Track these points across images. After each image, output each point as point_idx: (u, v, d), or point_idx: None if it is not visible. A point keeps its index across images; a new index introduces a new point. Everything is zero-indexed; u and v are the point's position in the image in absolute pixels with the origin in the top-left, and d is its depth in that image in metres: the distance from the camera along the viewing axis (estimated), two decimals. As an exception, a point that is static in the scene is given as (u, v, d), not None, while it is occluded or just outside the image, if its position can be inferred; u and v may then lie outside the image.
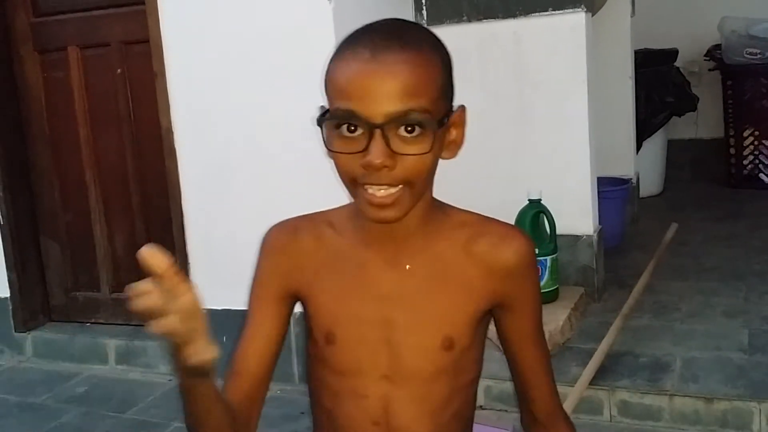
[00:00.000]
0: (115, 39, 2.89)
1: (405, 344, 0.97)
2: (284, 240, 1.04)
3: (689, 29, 4.57)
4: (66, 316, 3.15)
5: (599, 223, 2.90)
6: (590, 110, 2.79)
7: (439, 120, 0.89)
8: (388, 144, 0.85)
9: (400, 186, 0.88)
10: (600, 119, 3.01)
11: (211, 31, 2.59)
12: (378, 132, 0.85)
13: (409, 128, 0.86)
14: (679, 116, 4.32)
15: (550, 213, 2.69)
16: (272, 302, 1.03)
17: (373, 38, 0.87)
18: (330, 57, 0.92)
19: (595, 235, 2.84)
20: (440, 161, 0.95)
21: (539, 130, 2.82)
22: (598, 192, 2.91)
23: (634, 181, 3.81)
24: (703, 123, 4.66)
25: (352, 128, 0.87)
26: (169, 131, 2.68)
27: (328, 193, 2.44)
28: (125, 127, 2.93)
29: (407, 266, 0.97)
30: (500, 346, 1.08)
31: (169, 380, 2.78)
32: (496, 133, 2.89)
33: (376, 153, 0.85)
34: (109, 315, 3.08)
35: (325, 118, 0.89)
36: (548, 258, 2.67)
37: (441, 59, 0.91)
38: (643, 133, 4.06)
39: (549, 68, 2.78)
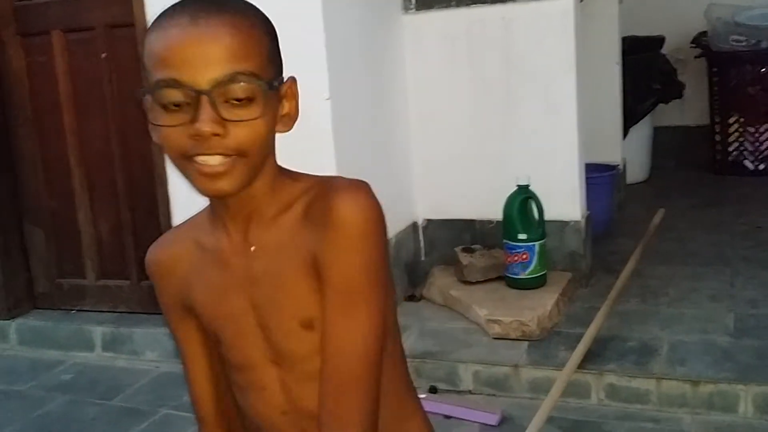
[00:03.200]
0: (99, 23, 2.85)
1: (272, 328, 0.93)
2: (162, 260, 1.00)
3: (676, 16, 4.58)
4: (51, 303, 3.13)
5: (587, 209, 2.91)
6: (578, 96, 2.78)
7: (268, 83, 0.85)
8: (216, 111, 0.81)
9: (234, 156, 0.83)
10: (587, 105, 3.01)
11: (197, 14, 2.57)
12: (205, 99, 0.80)
13: (238, 94, 0.82)
14: (666, 103, 4.33)
15: (538, 198, 2.69)
16: (187, 325, 1.01)
17: (192, 5, 0.83)
18: (148, 30, 0.87)
19: (583, 220, 2.84)
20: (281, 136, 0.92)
21: (527, 116, 2.82)
22: (586, 178, 2.91)
23: (621, 167, 3.82)
24: (689, 110, 4.67)
25: (177, 101, 0.81)
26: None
27: (317, 170, 2.44)
28: (110, 111, 2.90)
29: (252, 248, 0.92)
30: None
31: (156, 367, 2.77)
32: (485, 118, 2.88)
33: (205, 120, 0.80)
34: (94, 302, 3.05)
35: (145, 90, 0.84)
36: (536, 243, 2.67)
37: (265, 25, 0.88)
38: (629, 119, 4.07)
39: (537, 54, 2.78)
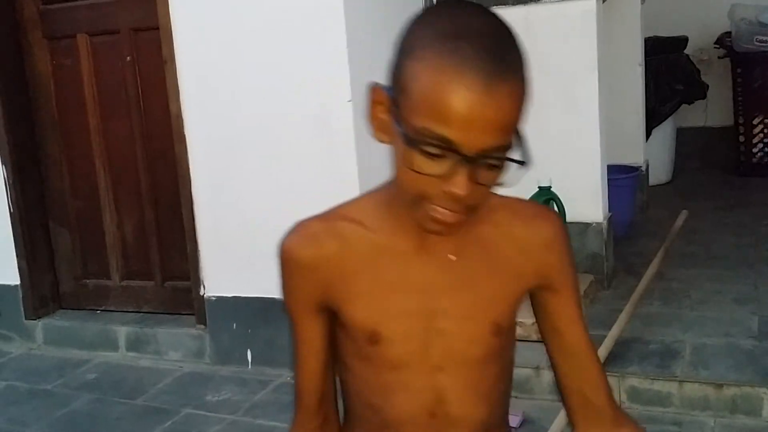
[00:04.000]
0: (124, 26, 2.89)
1: (454, 334, 0.95)
2: (306, 257, 0.96)
3: (699, 17, 4.54)
4: (76, 303, 3.17)
5: (609, 211, 2.89)
6: (600, 97, 2.77)
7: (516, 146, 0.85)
8: (474, 177, 0.81)
9: (467, 211, 0.85)
10: (610, 107, 3.00)
11: (221, 16, 2.59)
12: (467, 164, 0.80)
13: (496, 163, 0.82)
14: (689, 104, 4.30)
15: (560, 200, 2.68)
16: (315, 320, 0.99)
17: (484, 61, 0.78)
18: (419, 58, 0.81)
19: (605, 222, 2.83)
20: None
21: (550, 117, 2.81)
22: (608, 179, 2.90)
23: (643, 168, 3.79)
24: (712, 111, 4.64)
25: (437, 153, 0.80)
26: (179, 117, 2.69)
27: (338, 176, 2.46)
28: (134, 113, 2.93)
29: (450, 255, 0.94)
30: (540, 336, 1.05)
31: (180, 367, 2.80)
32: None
33: (463, 185, 0.81)
34: (119, 302, 3.09)
35: (416, 140, 0.81)
36: (558, 245, 2.66)
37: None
38: (652, 120, 4.05)
39: (559, 55, 2.77)
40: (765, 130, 4.32)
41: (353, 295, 0.95)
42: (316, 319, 0.99)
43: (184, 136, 2.70)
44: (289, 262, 0.97)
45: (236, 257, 2.71)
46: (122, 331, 2.95)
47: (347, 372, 1.01)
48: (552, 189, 2.68)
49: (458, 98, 0.77)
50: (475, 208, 0.86)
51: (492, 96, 0.78)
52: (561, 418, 1.92)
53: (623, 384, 2.22)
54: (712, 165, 4.60)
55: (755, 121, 4.32)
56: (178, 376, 2.74)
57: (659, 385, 2.19)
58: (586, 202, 2.81)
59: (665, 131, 4.26)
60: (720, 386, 2.13)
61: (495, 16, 0.84)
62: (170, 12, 2.63)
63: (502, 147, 0.81)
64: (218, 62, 2.62)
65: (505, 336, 0.99)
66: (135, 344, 2.93)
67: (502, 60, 0.80)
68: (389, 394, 0.98)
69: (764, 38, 4.18)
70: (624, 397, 2.22)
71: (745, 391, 2.11)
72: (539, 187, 2.68)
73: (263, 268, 2.65)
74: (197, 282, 2.78)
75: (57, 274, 3.18)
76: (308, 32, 2.44)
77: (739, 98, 4.37)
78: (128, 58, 2.90)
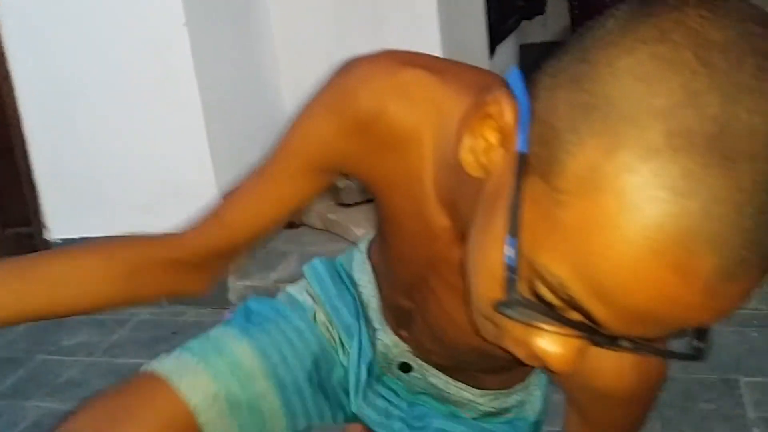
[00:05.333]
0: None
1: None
2: (387, 123, 0.69)
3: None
4: None
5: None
6: (441, 15, 2.80)
7: None
8: (584, 346, 0.51)
9: None
10: (451, 26, 3.04)
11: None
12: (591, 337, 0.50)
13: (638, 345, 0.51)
14: (529, 20, 4.42)
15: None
16: (310, 175, 0.78)
17: (724, 251, 0.40)
18: (609, 149, 0.42)
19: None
20: None
21: (394, 33, 2.82)
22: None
23: (488, 84, 3.89)
24: (552, 25, 4.80)
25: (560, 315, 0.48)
26: (0, 53, 2.50)
27: (179, 103, 2.38)
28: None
29: None
30: None
31: (29, 315, 2.68)
32: (351, 39, 2.87)
33: (564, 363, 0.51)
34: (-44, 254, 2.90)
35: (528, 276, 0.48)
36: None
37: None
38: (495, 38, 4.14)
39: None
40: (600, 42, 4.52)
41: (386, 188, 0.75)
42: (315, 173, 0.78)
43: (8, 73, 2.52)
44: (359, 111, 0.71)
45: (79, 196, 2.59)
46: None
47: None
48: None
49: (643, 283, 0.42)
50: None
51: (712, 298, 0.42)
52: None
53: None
54: (553, 79, 4.78)
55: (591, 34, 4.52)
56: (29, 323, 2.62)
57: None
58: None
59: (508, 48, 4.38)
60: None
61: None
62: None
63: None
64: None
65: None
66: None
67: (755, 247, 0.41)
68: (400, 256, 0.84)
69: (595, -48, 4.34)
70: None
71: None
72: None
73: (109, 205, 2.58)
74: (40, 226, 2.65)
75: None
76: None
77: (576, 11, 4.53)
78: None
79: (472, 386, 0.96)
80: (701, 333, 0.50)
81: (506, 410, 0.99)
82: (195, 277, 0.88)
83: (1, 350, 2.45)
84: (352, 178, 0.78)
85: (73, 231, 2.62)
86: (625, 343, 0.49)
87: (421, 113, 0.67)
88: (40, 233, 2.65)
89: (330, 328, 0.99)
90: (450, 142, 0.64)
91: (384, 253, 0.89)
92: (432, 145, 0.68)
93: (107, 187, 2.55)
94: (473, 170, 0.54)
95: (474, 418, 0.98)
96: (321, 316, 0.99)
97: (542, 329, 0.50)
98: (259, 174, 0.81)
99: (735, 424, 1.69)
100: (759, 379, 1.84)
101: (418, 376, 0.96)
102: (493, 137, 0.53)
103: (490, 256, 0.50)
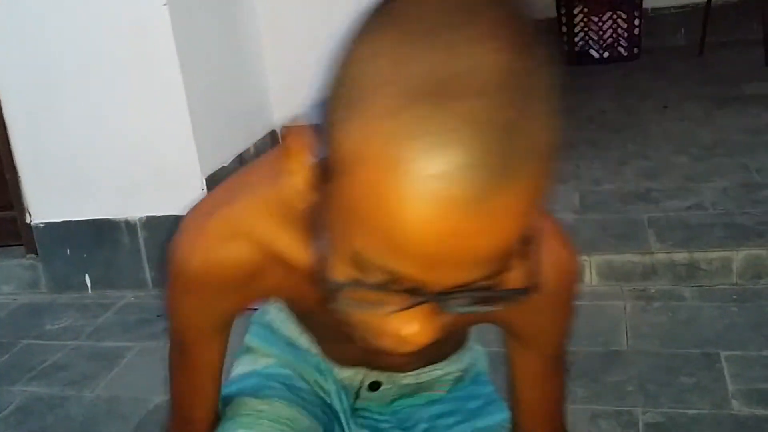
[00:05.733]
0: None
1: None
2: (220, 273, 0.74)
3: None
4: None
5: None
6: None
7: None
8: (439, 312, 0.53)
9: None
10: None
11: None
12: (431, 302, 0.52)
13: (477, 296, 0.53)
14: None
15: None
16: (216, 336, 0.82)
17: (477, 156, 0.44)
18: (364, 127, 0.46)
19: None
20: None
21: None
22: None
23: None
24: (536, 3, 4.78)
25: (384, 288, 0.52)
26: (-21, 36, 2.48)
27: (160, 84, 2.36)
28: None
29: None
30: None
31: (14, 299, 2.67)
32: (338, 22, 2.85)
33: (419, 331, 0.53)
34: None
35: (352, 263, 0.51)
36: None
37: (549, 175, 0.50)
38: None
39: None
40: (585, 19, 4.51)
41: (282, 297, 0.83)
42: (219, 333, 0.81)
43: (-13, 54, 2.50)
44: (200, 278, 0.74)
45: (61, 181, 2.58)
46: (-53, 270, 2.77)
47: None
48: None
49: (422, 225, 0.46)
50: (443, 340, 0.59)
51: (482, 217, 0.46)
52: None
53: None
54: (538, 56, 4.78)
55: (575, 11, 4.51)
56: (13, 308, 2.62)
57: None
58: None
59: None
60: (546, 258, 2.27)
61: (512, 35, 0.48)
62: None
63: (482, 280, 0.50)
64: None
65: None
66: (-38, 281, 2.76)
67: (511, 148, 0.46)
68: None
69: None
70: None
71: (569, 260, 2.27)
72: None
73: (91, 189, 2.57)
74: (22, 210, 2.63)
75: None
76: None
77: (560, -11, 4.53)
78: None
79: (436, 361, 1.00)
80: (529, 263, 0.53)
81: (471, 367, 1.03)
82: None
83: (-14, 335, 2.45)
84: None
85: (55, 215, 2.60)
86: (462, 296, 0.51)
87: (251, 236, 0.70)
88: (23, 218, 2.64)
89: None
90: (290, 219, 0.68)
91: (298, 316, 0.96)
92: (283, 244, 0.70)
93: (89, 171, 2.54)
94: (307, 201, 0.56)
95: (448, 391, 1.01)
96: (286, 371, 1.00)
97: (386, 312, 0.52)
98: (179, 373, 0.85)
99: (715, 396, 1.71)
100: (739, 353, 1.86)
101: (389, 386, 0.99)
102: (301, 165, 0.57)
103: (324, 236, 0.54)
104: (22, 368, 2.22)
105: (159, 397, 1.94)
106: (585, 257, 2.25)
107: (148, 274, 2.59)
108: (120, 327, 2.40)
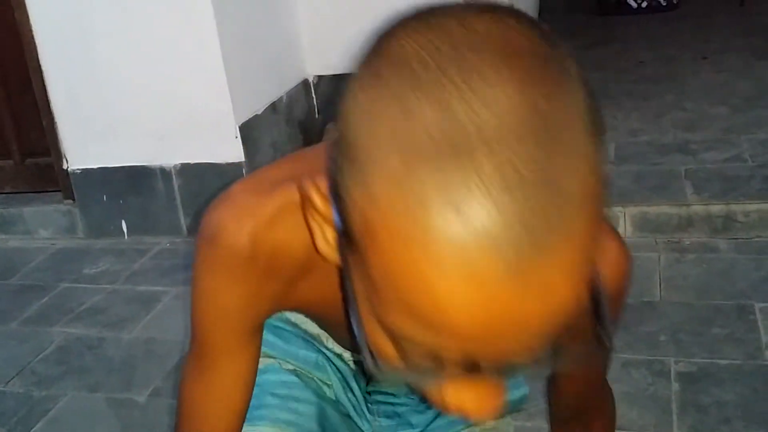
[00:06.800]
0: None
1: None
2: (276, 248, 0.67)
3: None
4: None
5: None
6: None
7: None
8: (496, 382, 0.48)
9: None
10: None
11: None
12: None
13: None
14: None
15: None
16: (252, 340, 0.73)
17: (515, 219, 0.39)
18: (374, 191, 0.41)
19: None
20: None
21: None
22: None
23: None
24: None
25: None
26: (15, -18, 2.48)
27: (195, 27, 2.36)
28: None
29: None
30: None
31: (52, 244, 2.72)
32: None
33: (476, 408, 0.48)
34: (-22, 185, 2.94)
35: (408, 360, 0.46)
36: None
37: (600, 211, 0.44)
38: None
39: None
40: (623, -32, 4.41)
41: (304, 300, 0.73)
42: (255, 335, 0.72)
43: (24, 4, 2.50)
44: (258, 256, 0.65)
45: (97, 127, 2.60)
46: (-14, 215, 2.83)
47: None
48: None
49: (457, 302, 0.40)
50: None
51: (528, 284, 0.40)
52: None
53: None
54: (574, 6, 4.68)
55: (614, -41, 4.41)
56: (52, 253, 2.67)
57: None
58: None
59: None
60: (580, 209, 2.26)
61: (534, 66, 0.43)
62: None
63: (558, 342, 0.45)
64: None
65: None
66: (1, 225, 2.82)
67: (546, 200, 0.39)
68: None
69: None
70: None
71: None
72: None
73: (127, 136, 2.59)
74: (59, 156, 2.67)
75: None
76: None
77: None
78: None
79: None
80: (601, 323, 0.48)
81: None
82: None
83: (26, 278, 2.51)
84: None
85: (91, 161, 2.64)
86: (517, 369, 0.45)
87: (303, 230, 0.60)
88: (61, 164, 2.67)
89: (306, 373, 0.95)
90: None
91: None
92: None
93: (125, 118, 2.55)
94: (334, 259, 0.51)
95: None
96: (289, 366, 0.93)
97: (442, 381, 0.48)
98: (200, 373, 0.73)
99: (748, 347, 1.70)
100: (774, 304, 1.84)
101: None
102: (322, 227, 0.52)
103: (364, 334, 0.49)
104: (62, 310, 2.27)
105: (194, 339, 1.98)
106: (620, 208, 2.23)
107: (183, 221, 2.62)
108: (156, 272, 2.44)
